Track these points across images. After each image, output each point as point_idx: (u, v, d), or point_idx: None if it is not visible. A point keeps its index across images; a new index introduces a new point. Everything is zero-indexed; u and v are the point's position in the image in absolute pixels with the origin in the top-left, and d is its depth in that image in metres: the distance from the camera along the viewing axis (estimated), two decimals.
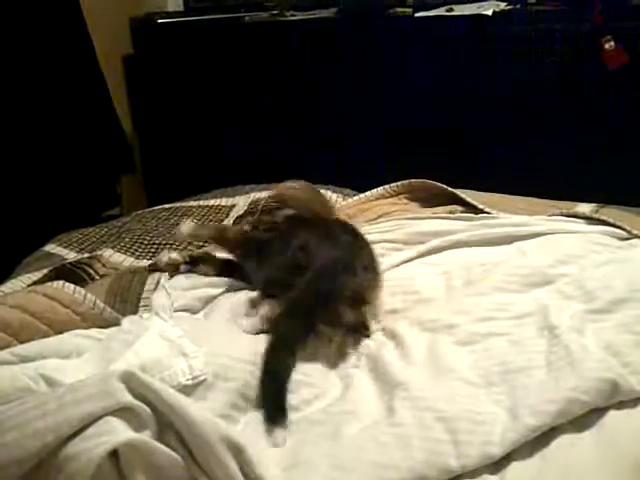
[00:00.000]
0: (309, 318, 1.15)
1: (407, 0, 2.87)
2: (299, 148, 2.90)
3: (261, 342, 1.11)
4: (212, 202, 1.87)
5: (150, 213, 1.87)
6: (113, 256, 1.58)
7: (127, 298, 1.31)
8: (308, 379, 1.09)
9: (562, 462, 0.88)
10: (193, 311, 1.34)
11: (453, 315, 1.22)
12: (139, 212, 1.92)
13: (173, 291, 1.35)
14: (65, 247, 1.68)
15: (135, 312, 1.28)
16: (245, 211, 1.77)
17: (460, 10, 2.66)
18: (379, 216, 1.68)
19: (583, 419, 0.94)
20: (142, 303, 1.32)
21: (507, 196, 1.81)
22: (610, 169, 2.45)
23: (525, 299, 1.26)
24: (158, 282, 1.39)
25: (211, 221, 1.76)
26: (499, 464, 0.89)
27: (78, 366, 1.05)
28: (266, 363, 1.06)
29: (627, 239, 1.50)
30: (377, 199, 1.80)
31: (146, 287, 1.36)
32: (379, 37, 2.75)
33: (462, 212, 1.68)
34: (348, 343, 1.21)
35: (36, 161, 2.37)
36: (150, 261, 1.52)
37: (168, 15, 3.08)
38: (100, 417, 0.84)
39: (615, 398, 0.96)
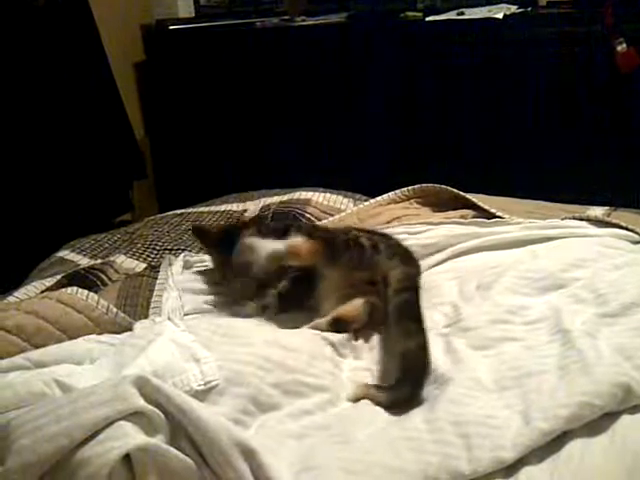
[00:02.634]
0: None
1: (418, 4, 2.88)
2: (310, 153, 2.90)
3: (271, 346, 1.12)
4: (223, 207, 1.88)
5: (162, 219, 1.88)
6: (125, 262, 1.59)
7: (137, 302, 1.32)
8: (320, 382, 1.09)
9: (574, 466, 0.88)
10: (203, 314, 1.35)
11: (467, 319, 1.23)
12: (151, 218, 1.93)
13: (184, 294, 1.35)
14: (78, 253, 1.69)
15: (146, 315, 1.29)
16: (257, 215, 1.78)
17: (471, 14, 2.66)
18: (390, 221, 1.67)
19: (596, 423, 0.93)
20: (152, 305, 1.32)
21: (519, 200, 1.80)
22: (623, 172, 2.45)
23: (538, 303, 1.26)
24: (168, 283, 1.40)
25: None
26: (511, 469, 0.89)
27: (91, 371, 1.05)
28: None
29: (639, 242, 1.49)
30: (388, 204, 1.80)
31: (156, 290, 1.37)
32: (390, 41, 2.75)
33: (474, 217, 1.67)
34: None
35: (49, 167, 2.39)
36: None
37: (179, 21, 3.09)
38: (113, 422, 0.84)
39: (628, 402, 0.96)
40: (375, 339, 1.23)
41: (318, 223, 1.69)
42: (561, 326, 1.14)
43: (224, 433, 0.86)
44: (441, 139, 2.72)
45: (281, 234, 1.32)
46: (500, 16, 2.56)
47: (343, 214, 1.76)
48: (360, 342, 1.23)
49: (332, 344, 1.18)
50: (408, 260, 1.33)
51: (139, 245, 1.67)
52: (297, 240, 1.26)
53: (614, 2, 2.39)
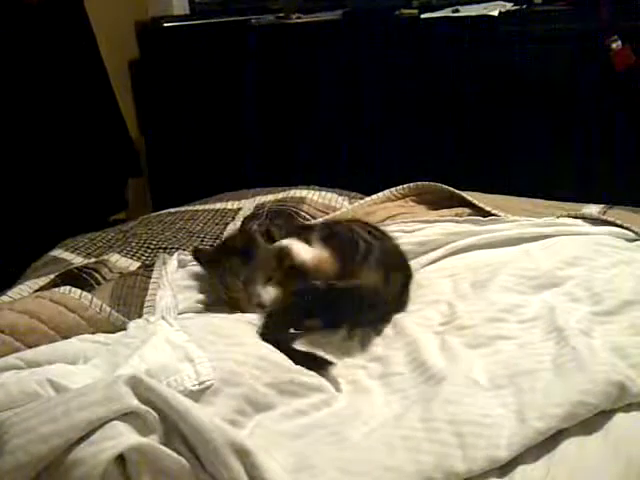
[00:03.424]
0: None
1: (413, 1, 2.87)
2: (305, 151, 2.90)
3: (267, 346, 1.11)
4: (218, 206, 1.87)
5: (156, 217, 1.87)
6: (120, 261, 1.58)
7: (131, 301, 1.31)
8: (315, 381, 1.09)
9: (569, 465, 0.88)
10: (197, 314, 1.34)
11: (462, 317, 1.23)
12: (145, 216, 1.92)
13: (178, 292, 1.35)
14: (72, 252, 1.68)
15: (140, 315, 1.28)
16: (252, 213, 1.77)
17: (466, 11, 2.66)
18: (385, 219, 1.67)
19: (591, 422, 0.93)
20: (147, 304, 1.31)
21: (514, 198, 1.80)
22: (618, 170, 2.45)
23: (533, 301, 1.26)
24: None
25: (217, 224, 1.76)
26: (506, 467, 0.89)
27: (85, 371, 1.05)
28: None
29: (635, 240, 1.49)
30: (383, 202, 1.80)
31: (150, 289, 1.36)
32: (385, 39, 2.75)
33: (469, 215, 1.67)
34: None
35: (43, 166, 2.38)
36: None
37: (174, 19, 3.08)
38: (107, 422, 0.84)
39: (623, 401, 0.96)
40: (370, 336, 1.23)
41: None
42: (556, 324, 1.15)
43: (218, 433, 0.85)
44: (437, 136, 2.71)
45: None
46: (495, 13, 2.56)
47: (338, 212, 1.76)
48: (355, 339, 1.23)
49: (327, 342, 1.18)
50: (396, 269, 1.33)
51: (133, 244, 1.67)
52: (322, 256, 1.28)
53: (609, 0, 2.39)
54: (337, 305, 1.22)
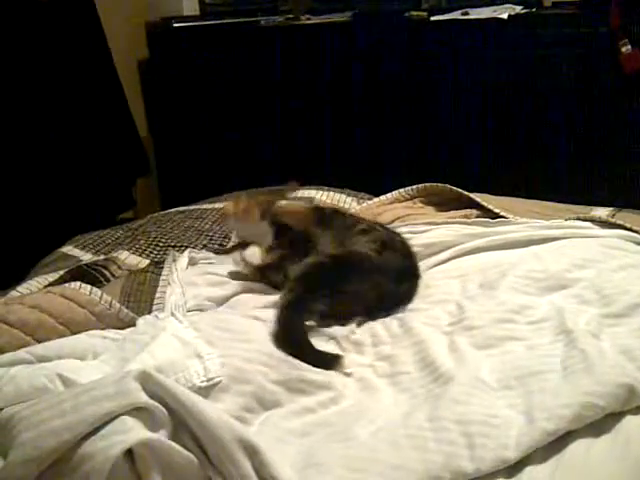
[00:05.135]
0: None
1: (422, 4, 2.87)
2: (314, 151, 2.90)
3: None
4: None
5: (165, 216, 1.88)
6: (129, 258, 1.59)
7: (140, 297, 1.32)
8: (323, 378, 1.09)
9: (577, 467, 0.88)
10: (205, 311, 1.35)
11: (470, 317, 1.23)
12: (154, 215, 1.93)
13: (187, 289, 1.35)
14: (81, 249, 1.69)
15: (149, 311, 1.29)
16: None
17: (476, 14, 2.65)
18: (393, 220, 1.67)
19: (599, 424, 0.93)
20: (156, 301, 1.32)
21: (522, 200, 1.80)
22: (627, 173, 2.44)
23: (542, 303, 1.26)
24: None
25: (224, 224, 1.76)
26: (514, 468, 0.89)
27: (94, 367, 1.06)
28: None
29: None
30: (392, 203, 1.80)
31: (159, 285, 1.37)
32: (394, 41, 2.75)
33: (478, 216, 1.67)
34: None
35: (53, 164, 2.39)
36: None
37: (184, 19, 3.08)
38: (116, 416, 0.84)
39: (631, 403, 0.95)
40: (378, 335, 1.23)
41: None
42: (565, 326, 1.14)
43: (227, 430, 0.86)
44: (444, 138, 2.71)
45: None
46: (505, 16, 2.56)
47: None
48: (363, 337, 1.23)
49: (334, 339, 1.18)
50: (393, 249, 1.36)
51: (142, 241, 1.67)
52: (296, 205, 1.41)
53: (621, 3, 2.38)
54: (341, 272, 1.26)
